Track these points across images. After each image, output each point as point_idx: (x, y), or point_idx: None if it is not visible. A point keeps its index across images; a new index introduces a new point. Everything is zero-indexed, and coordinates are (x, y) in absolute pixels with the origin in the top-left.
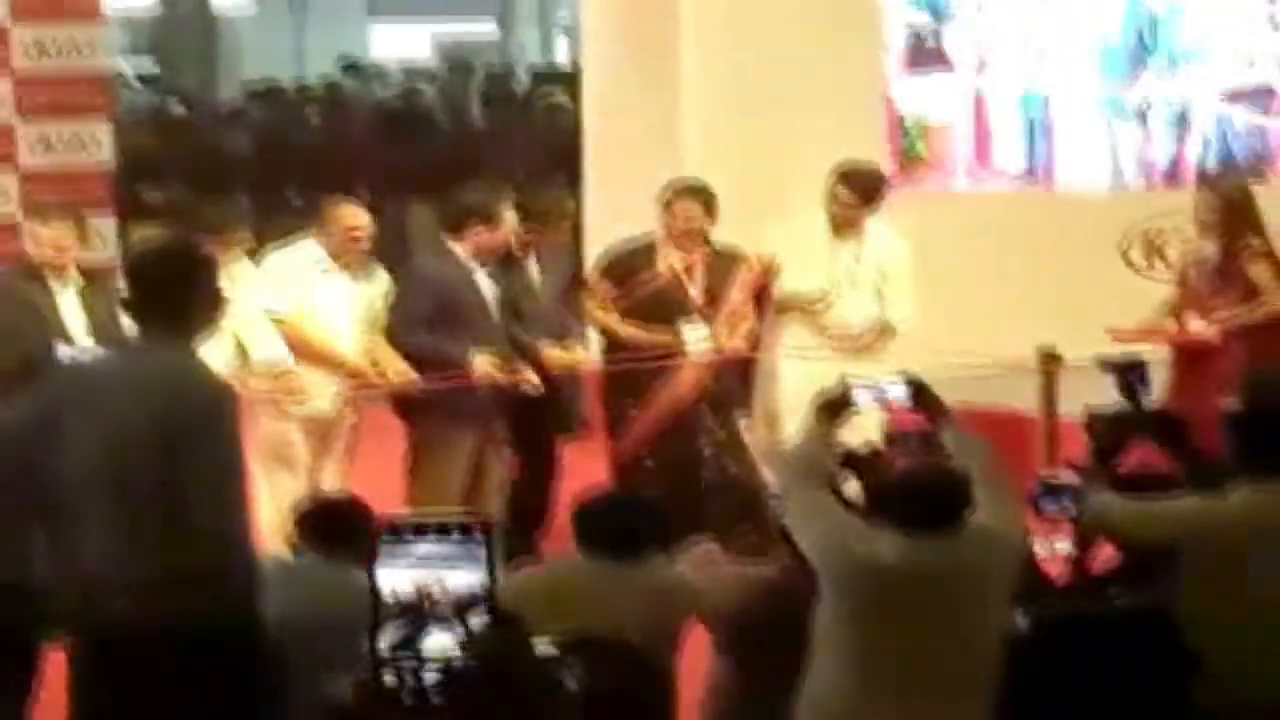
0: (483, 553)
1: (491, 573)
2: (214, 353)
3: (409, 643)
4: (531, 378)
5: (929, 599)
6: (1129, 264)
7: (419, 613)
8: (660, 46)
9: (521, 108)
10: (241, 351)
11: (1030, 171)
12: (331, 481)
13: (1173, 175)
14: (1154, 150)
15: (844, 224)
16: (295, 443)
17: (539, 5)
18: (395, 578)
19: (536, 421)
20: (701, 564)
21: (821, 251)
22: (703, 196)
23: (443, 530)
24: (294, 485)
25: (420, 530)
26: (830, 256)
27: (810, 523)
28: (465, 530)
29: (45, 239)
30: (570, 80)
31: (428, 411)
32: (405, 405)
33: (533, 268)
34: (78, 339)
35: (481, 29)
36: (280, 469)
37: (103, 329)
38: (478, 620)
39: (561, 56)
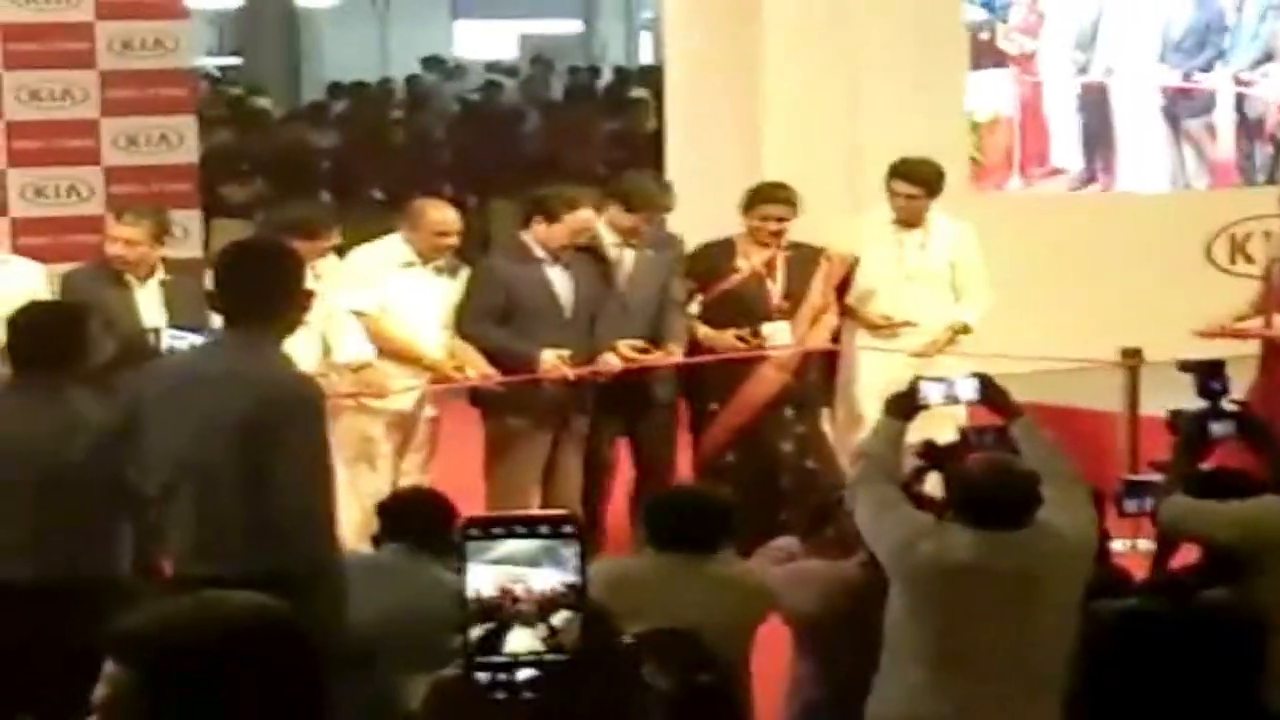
0: (571, 551)
1: (581, 571)
2: (300, 349)
3: (496, 640)
4: (607, 370)
5: (998, 596)
6: (1212, 262)
7: (504, 611)
8: (742, 43)
9: (604, 104)
10: (326, 348)
11: (1089, 170)
12: (413, 477)
13: (1241, 173)
14: (1219, 148)
15: (908, 217)
16: (377, 438)
17: (624, 3)
18: (483, 576)
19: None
20: (781, 561)
21: (889, 245)
22: (785, 198)
23: (531, 529)
24: (376, 481)
25: (509, 528)
26: (897, 251)
27: (879, 520)
28: (554, 528)
29: (117, 235)
30: (653, 77)
31: (502, 407)
32: (482, 401)
33: (628, 262)
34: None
35: (566, 27)
36: (363, 465)
37: (184, 324)
38: (563, 618)
39: (646, 54)
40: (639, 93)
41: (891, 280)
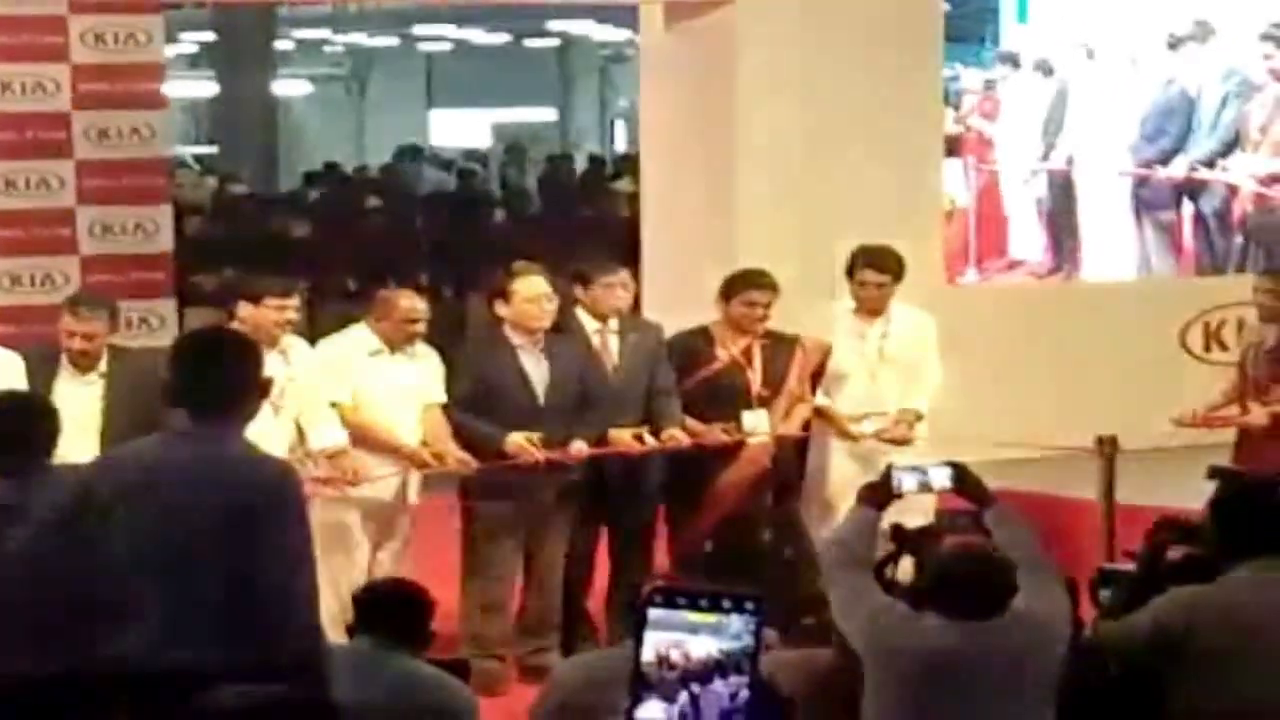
0: (744, 623)
1: (756, 642)
2: (272, 436)
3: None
4: (576, 455)
5: (973, 684)
6: (1187, 350)
7: (654, 677)
8: (718, 133)
9: (578, 193)
10: (300, 435)
11: (1053, 260)
12: (390, 566)
13: (1199, 261)
14: (1182, 236)
15: (874, 306)
16: (353, 526)
17: (598, 93)
18: (650, 643)
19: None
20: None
21: (853, 335)
22: (770, 284)
23: (714, 601)
24: (352, 571)
25: (692, 600)
26: (860, 342)
27: (853, 607)
28: (736, 603)
29: (77, 329)
30: (628, 165)
31: (478, 493)
32: (461, 487)
33: (613, 348)
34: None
35: (540, 116)
36: (338, 554)
37: (118, 416)
38: (732, 683)
39: (620, 143)
40: (620, 185)
41: (858, 370)
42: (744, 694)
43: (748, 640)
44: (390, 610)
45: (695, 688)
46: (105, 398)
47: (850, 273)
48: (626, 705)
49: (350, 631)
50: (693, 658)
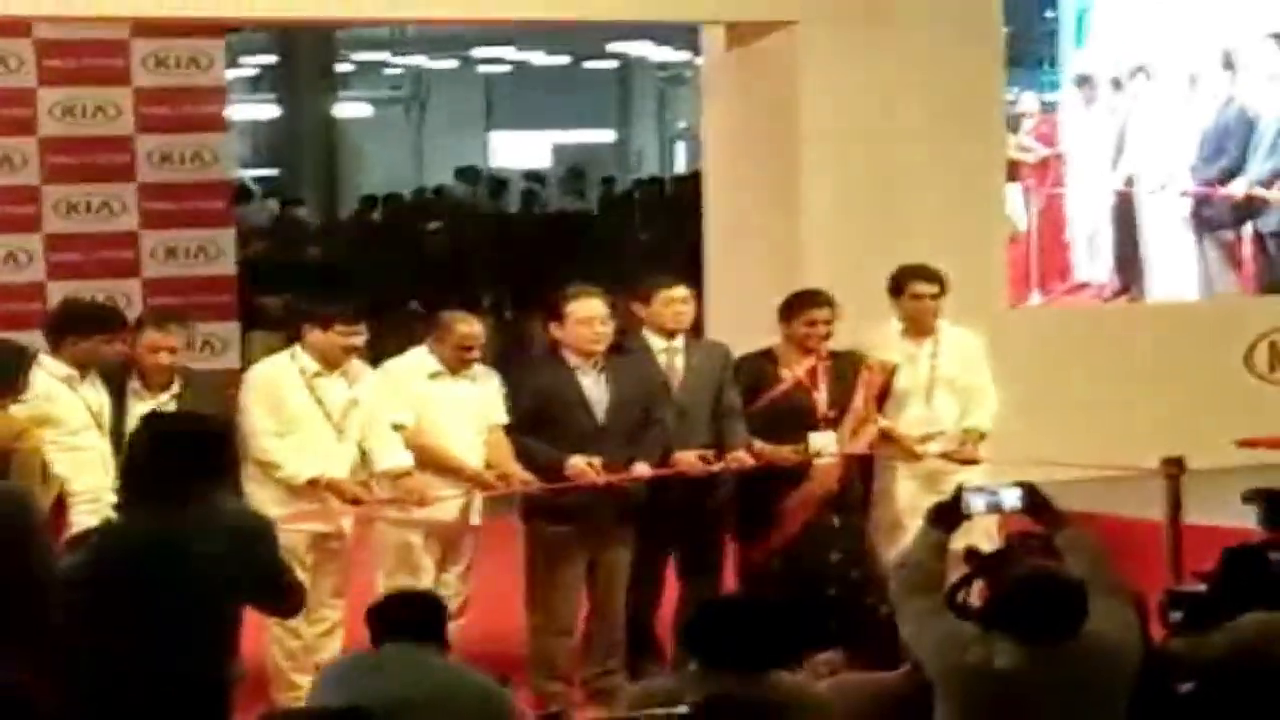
0: None
1: None
2: (338, 460)
3: None
4: (639, 476)
5: (1044, 707)
6: (1252, 370)
7: None
8: (780, 154)
9: (639, 213)
10: (363, 458)
11: (1117, 281)
12: (455, 587)
13: (1271, 279)
14: (1246, 255)
15: (924, 322)
16: (417, 548)
17: (658, 113)
18: None
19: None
20: (824, 676)
21: (904, 357)
22: (829, 302)
23: None
24: None
25: None
26: (912, 364)
27: (924, 630)
28: None
29: (163, 344)
30: (688, 186)
31: (541, 515)
32: (523, 508)
33: (679, 368)
34: None
35: (600, 137)
36: (402, 574)
37: None
38: None
39: (679, 163)
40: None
41: (913, 391)
42: None
43: None
44: (411, 617)
45: None
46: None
47: (897, 291)
48: None
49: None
50: None
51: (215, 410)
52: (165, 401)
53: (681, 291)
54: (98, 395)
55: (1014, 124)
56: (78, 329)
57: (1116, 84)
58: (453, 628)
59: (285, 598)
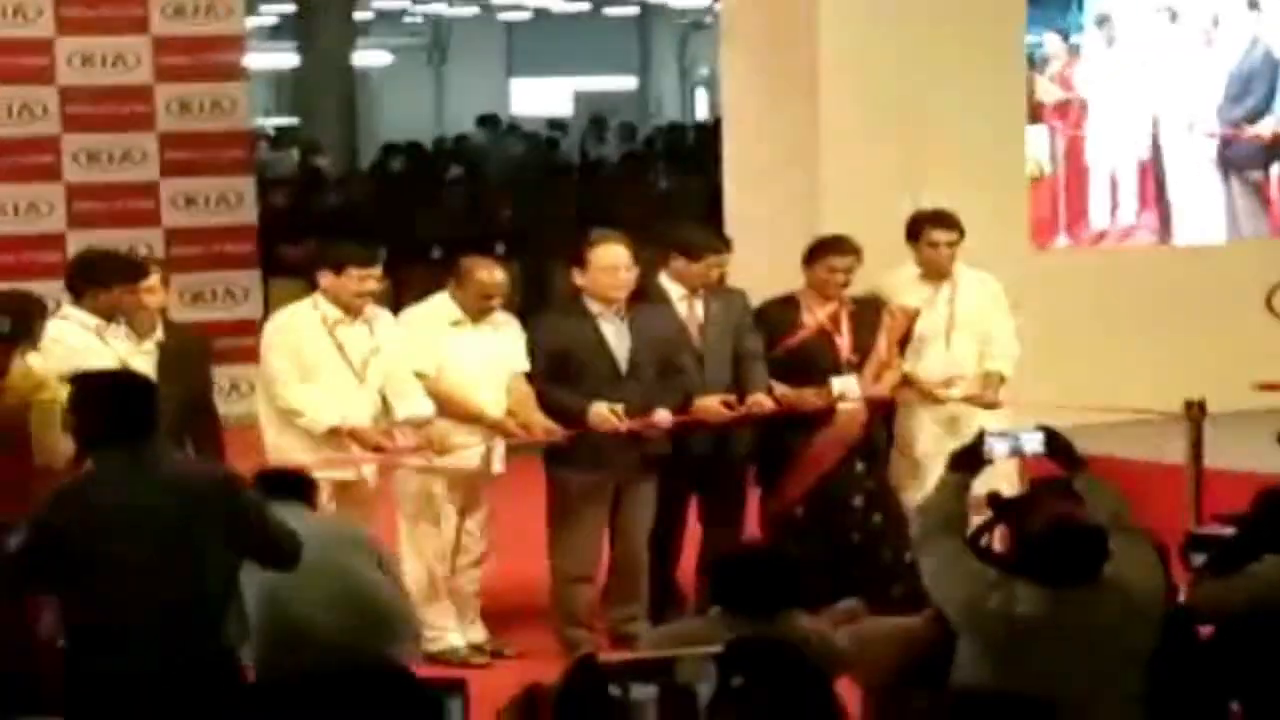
0: None
1: None
2: (360, 407)
3: None
4: (660, 423)
5: (1067, 651)
6: (1273, 312)
7: None
8: (800, 99)
9: (659, 160)
10: (384, 405)
11: (1143, 223)
12: (477, 535)
13: None
14: (1274, 197)
15: (941, 267)
16: (439, 496)
17: (678, 60)
18: None
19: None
20: (843, 623)
21: (923, 301)
22: (852, 249)
23: None
24: (438, 540)
25: None
26: (931, 307)
27: (947, 575)
28: None
29: (155, 286)
30: (709, 133)
31: (564, 462)
32: (546, 456)
33: (699, 315)
34: None
35: (621, 84)
36: (424, 523)
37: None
38: None
39: (701, 109)
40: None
41: (932, 335)
42: None
43: None
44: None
45: None
46: (159, 366)
47: (914, 236)
48: None
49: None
50: None
51: (196, 359)
52: (149, 349)
53: (728, 255)
54: (127, 345)
55: (1041, 66)
56: (99, 280)
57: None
58: (476, 574)
59: (273, 549)
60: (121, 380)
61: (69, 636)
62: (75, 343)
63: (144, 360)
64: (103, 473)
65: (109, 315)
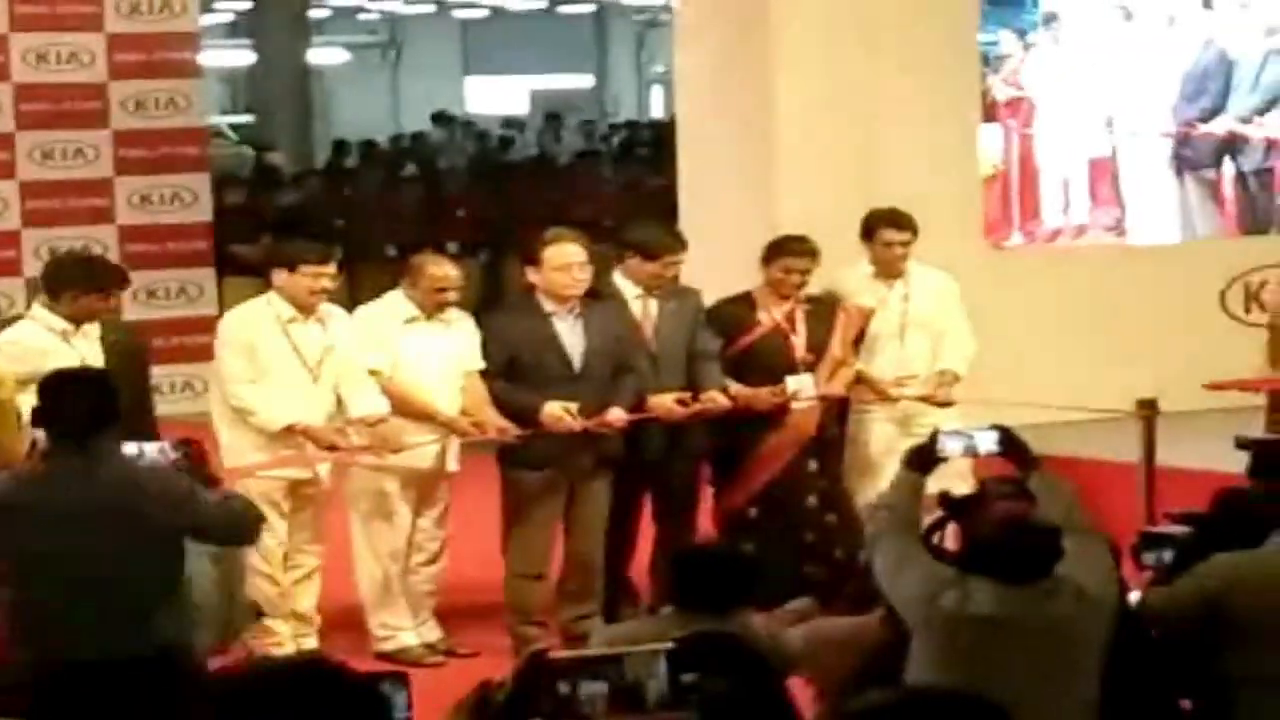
0: None
1: None
2: (312, 404)
3: None
4: (614, 422)
5: (1020, 649)
6: (1226, 311)
7: None
8: (755, 97)
9: (614, 158)
10: (339, 404)
11: (1096, 222)
12: (431, 533)
13: (1242, 222)
14: (1225, 196)
15: (893, 266)
16: (393, 494)
17: (635, 58)
18: None
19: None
20: (793, 623)
21: (876, 299)
22: (808, 250)
23: None
24: (392, 538)
25: None
26: (884, 305)
27: (900, 573)
28: None
29: None
30: (664, 131)
31: (517, 461)
32: (500, 455)
33: (653, 313)
34: None
35: (578, 82)
36: (378, 521)
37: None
38: None
39: (657, 108)
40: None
41: (886, 333)
42: None
43: None
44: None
45: None
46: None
47: (868, 235)
48: None
49: None
50: None
51: (134, 353)
52: (93, 340)
53: (684, 255)
54: (92, 348)
55: (995, 65)
56: (76, 284)
57: (1084, 28)
58: (430, 572)
59: (228, 524)
60: (79, 376)
61: (12, 625)
62: (35, 344)
63: (93, 354)
64: (53, 465)
65: (79, 320)
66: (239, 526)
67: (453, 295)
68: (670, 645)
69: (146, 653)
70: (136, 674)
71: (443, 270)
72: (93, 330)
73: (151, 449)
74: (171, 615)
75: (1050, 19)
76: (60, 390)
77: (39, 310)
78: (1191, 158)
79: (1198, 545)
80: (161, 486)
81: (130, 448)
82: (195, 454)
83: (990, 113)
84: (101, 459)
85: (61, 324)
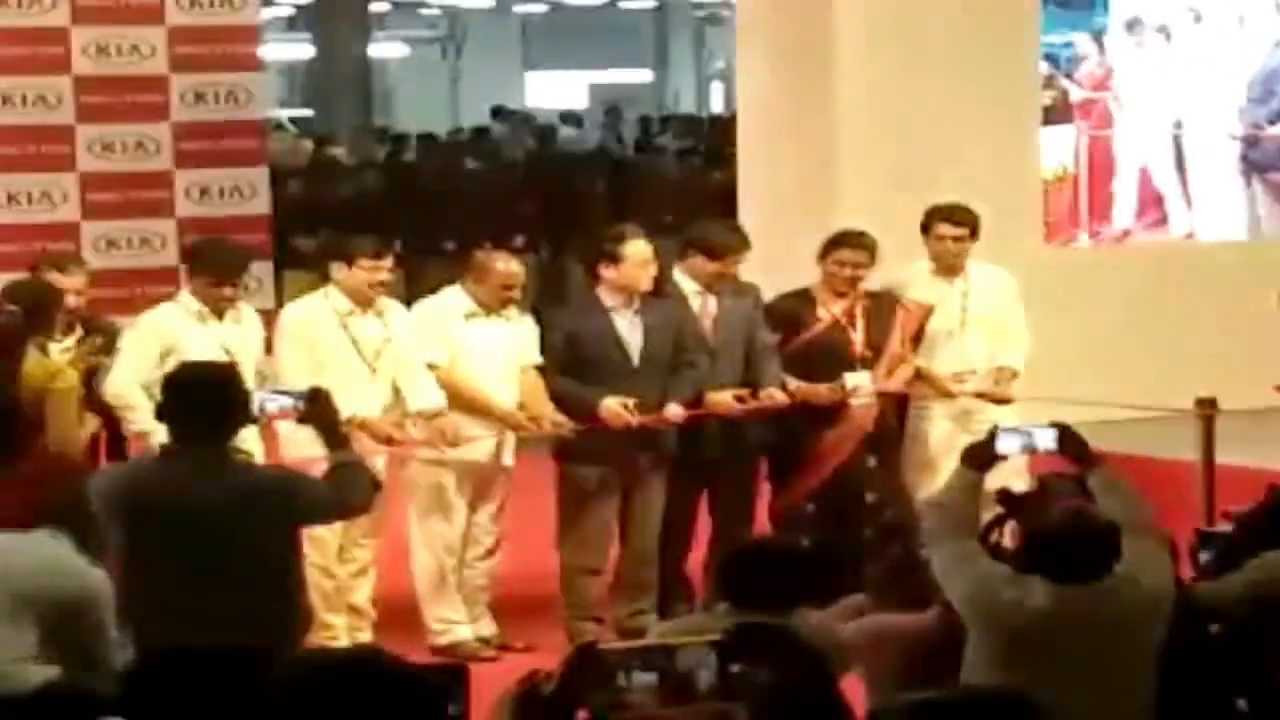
0: None
1: None
2: (371, 399)
3: None
4: (672, 418)
5: (1077, 647)
6: None
7: None
8: (816, 94)
9: (674, 153)
10: (396, 397)
11: (1163, 220)
12: (487, 527)
13: None
14: None
15: (952, 263)
16: (450, 488)
17: (694, 53)
18: None
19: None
20: (849, 618)
21: (936, 297)
22: (865, 245)
23: None
24: (448, 532)
25: None
26: (945, 302)
27: (957, 571)
28: None
29: (68, 287)
30: (724, 126)
31: (574, 456)
32: (557, 450)
33: (712, 310)
34: None
35: (637, 77)
36: (435, 515)
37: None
38: None
39: (717, 103)
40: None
41: (945, 330)
42: None
43: None
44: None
45: None
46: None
47: (926, 230)
48: None
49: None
50: None
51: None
52: (68, 346)
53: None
54: (230, 334)
55: (1069, 68)
56: (207, 270)
57: (1164, 30)
58: (486, 567)
59: (340, 506)
60: (207, 373)
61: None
62: (169, 323)
63: (246, 352)
64: (173, 461)
65: (215, 303)
66: (349, 504)
67: (516, 292)
68: (718, 636)
69: (255, 646)
70: (245, 666)
71: (510, 268)
72: (60, 327)
73: (285, 400)
74: (281, 611)
75: (1133, 23)
76: (186, 387)
77: (184, 294)
78: (1259, 160)
79: (1248, 542)
80: (276, 485)
81: (264, 397)
82: (323, 402)
83: (1064, 114)
84: (223, 457)
85: (197, 306)
